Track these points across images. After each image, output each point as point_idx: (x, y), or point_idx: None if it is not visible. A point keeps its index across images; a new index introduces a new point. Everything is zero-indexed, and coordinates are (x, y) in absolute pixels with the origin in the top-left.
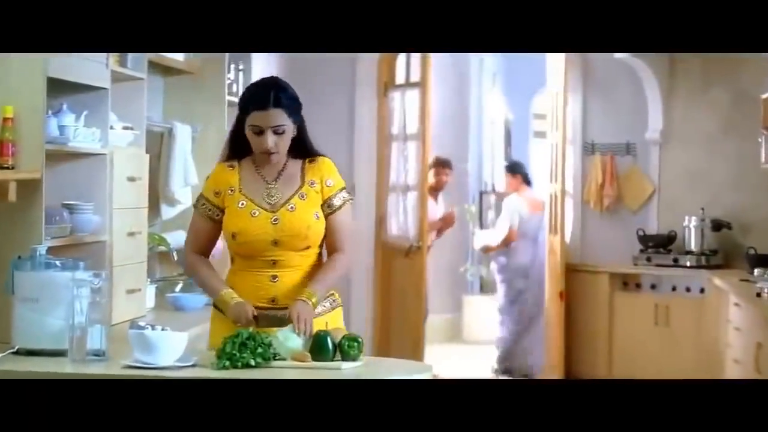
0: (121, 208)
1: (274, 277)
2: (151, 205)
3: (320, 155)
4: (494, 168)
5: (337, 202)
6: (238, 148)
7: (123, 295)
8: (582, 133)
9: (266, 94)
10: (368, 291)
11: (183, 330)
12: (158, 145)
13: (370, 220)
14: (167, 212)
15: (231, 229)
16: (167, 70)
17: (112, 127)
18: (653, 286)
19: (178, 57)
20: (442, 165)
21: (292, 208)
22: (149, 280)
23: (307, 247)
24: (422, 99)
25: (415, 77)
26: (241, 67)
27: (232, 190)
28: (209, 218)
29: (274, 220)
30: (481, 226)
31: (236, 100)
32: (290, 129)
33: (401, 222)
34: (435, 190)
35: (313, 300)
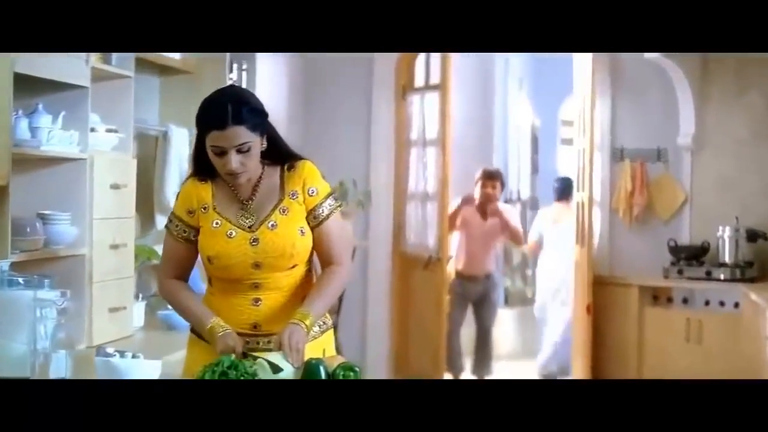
0: (102, 218)
1: (257, 300)
2: (146, 214)
3: (299, 159)
4: (520, 176)
5: (323, 211)
6: (205, 167)
7: (105, 314)
8: (611, 138)
9: (223, 111)
10: (385, 304)
11: (175, 351)
12: (153, 150)
13: (388, 229)
14: (162, 222)
15: (206, 253)
16: (163, 69)
17: (94, 130)
18: (685, 301)
19: (174, 55)
20: (489, 177)
21: (272, 225)
22: (139, 296)
23: (293, 266)
24: (442, 102)
25: (435, 79)
26: (244, 66)
27: (205, 208)
28: (185, 240)
29: (254, 241)
30: None
31: None
32: (257, 143)
33: (420, 232)
34: (483, 206)
35: (307, 322)
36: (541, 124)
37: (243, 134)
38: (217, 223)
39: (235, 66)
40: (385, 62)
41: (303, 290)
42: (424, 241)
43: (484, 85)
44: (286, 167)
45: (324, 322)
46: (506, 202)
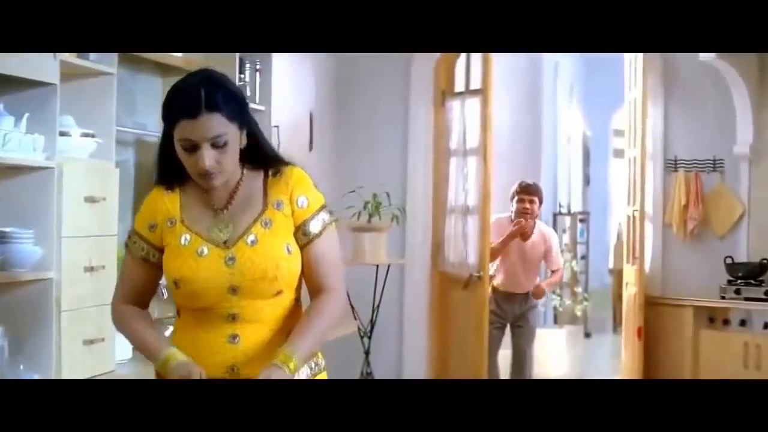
0: (75, 236)
1: (234, 336)
2: None
3: (287, 165)
4: (571, 188)
5: (315, 227)
6: (172, 170)
7: (79, 347)
8: (663, 147)
9: (194, 96)
10: (422, 326)
11: None
12: (152, 158)
13: (425, 245)
14: None
15: (173, 275)
16: (165, 69)
17: (66, 134)
18: (743, 323)
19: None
20: (526, 192)
21: (252, 241)
22: None
23: (278, 293)
24: (484, 108)
25: (476, 84)
26: (258, 66)
27: (171, 222)
28: (142, 260)
29: (230, 260)
30: None
31: (251, 105)
32: (235, 137)
33: (460, 248)
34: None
35: (291, 365)
36: (593, 133)
37: (218, 124)
38: (185, 239)
39: (247, 65)
40: (423, 64)
41: (290, 323)
42: (464, 258)
43: (531, 92)
44: (270, 173)
45: (316, 363)
46: (555, 215)
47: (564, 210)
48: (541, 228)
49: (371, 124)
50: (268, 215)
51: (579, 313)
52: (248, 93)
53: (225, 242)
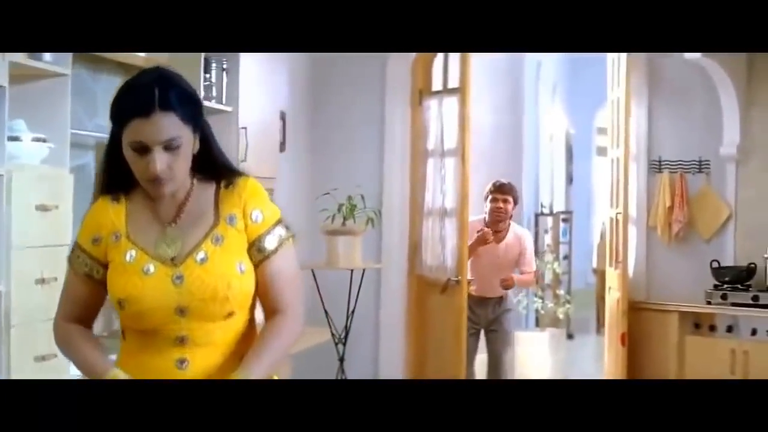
0: (25, 246)
1: (182, 361)
2: None
3: (241, 175)
4: (554, 187)
5: (270, 243)
6: (119, 177)
7: (30, 364)
8: (647, 147)
9: (147, 94)
10: (399, 332)
11: None
12: None
13: (402, 249)
14: None
15: (117, 294)
16: (128, 69)
17: (17, 138)
18: (730, 329)
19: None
20: (500, 191)
21: (202, 259)
22: None
23: (230, 314)
24: (461, 107)
25: (454, 83)
26: (225, 65)
27: (116, 237)
28: (86, 276)
29: (177, 279)
30: (537, 252)
31: (217, 106)
32: (189, 141)
33: (438, 252)
34: (494, 225)
35: None
36: (576, 131)
37: (172, 125)
38: (130, 256)
39: (213, 64)
40: (399, 62)
41: (243, 347)
42: (441, 262)
43: (513, 90)
44: (222, 184)
45: None
46: (537, 216)
47: (546, 210)
48: (516, 230)
49: (346, 124)
50: (219, 230)
51: (561, 316)
52: (214, 93)
53: (173, 259)
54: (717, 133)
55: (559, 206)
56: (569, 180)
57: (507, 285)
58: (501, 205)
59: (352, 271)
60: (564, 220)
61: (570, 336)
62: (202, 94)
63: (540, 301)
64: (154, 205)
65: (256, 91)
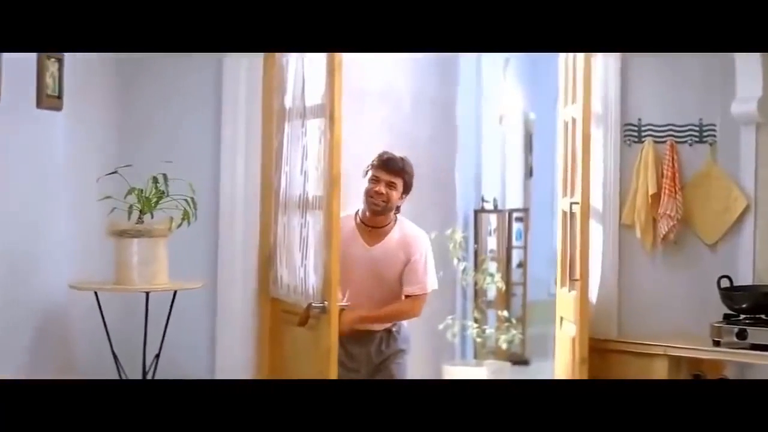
0: None
1: None
2: None
3: None
4: (505, 179)
5: None
6: None
7: None
8: (620, 105)
9: None
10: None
11: None
12: None
13: (248, 259)
14: None
15: None
16: None
17: None
18: None
19: None
20: (385, 168)
21: None
22: None
23: None
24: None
25: None
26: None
27: None
28: None
29: None
30: (476, 258)
31: None
32: None
33: (296, 264)
34: (374, 217)
35: None
36: (537, 117)
37: None
38: None
39: None
40: None
41: None
42: (302, 279)
43: (444, 57)
44: None
45: None
46: (476, 213)
47: (490, 206)
48: (406, 229)
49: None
50: None
51: (504, 345)
52: None
53: None
54: (726, 83)
55: (513, 203)
56: (528, 172)
57: (364, 322)
58: (382, 189)
59: (147, 294)
60: (519, 219)
61: (525, 362)
62: None
63: (476, 326)
64: None
65: None
